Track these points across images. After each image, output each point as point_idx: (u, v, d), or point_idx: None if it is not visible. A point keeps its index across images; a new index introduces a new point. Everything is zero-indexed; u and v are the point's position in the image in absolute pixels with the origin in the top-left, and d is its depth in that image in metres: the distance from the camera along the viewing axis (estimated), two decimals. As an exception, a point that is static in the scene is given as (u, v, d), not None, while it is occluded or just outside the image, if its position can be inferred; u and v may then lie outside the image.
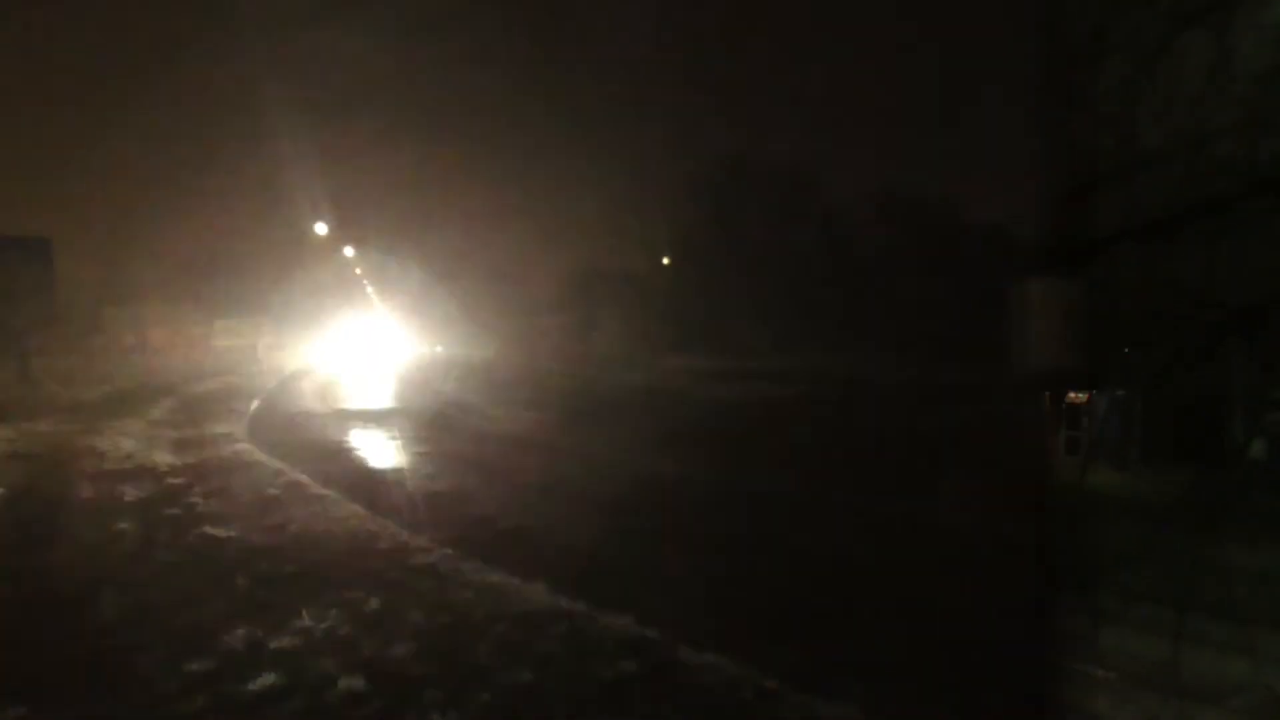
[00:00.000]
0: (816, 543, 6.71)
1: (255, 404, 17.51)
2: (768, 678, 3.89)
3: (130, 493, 8.25)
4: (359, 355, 41.41)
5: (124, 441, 11.77)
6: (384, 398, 19.63)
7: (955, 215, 32.63)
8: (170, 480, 8.90)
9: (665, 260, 45.35)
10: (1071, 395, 6.56)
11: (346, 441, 12.51)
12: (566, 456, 11.29)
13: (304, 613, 4.76)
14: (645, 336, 40.38)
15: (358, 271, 77.90)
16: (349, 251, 63.48)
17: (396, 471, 10.02)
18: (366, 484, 8.98)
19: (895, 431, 12.86)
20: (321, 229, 50.53)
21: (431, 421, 14.92)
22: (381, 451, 11.62)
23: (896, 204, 33.64)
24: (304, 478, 8.99)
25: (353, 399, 19.30)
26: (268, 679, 3.96)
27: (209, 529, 6.75)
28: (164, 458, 10.36)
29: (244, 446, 11.40)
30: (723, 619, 4.91)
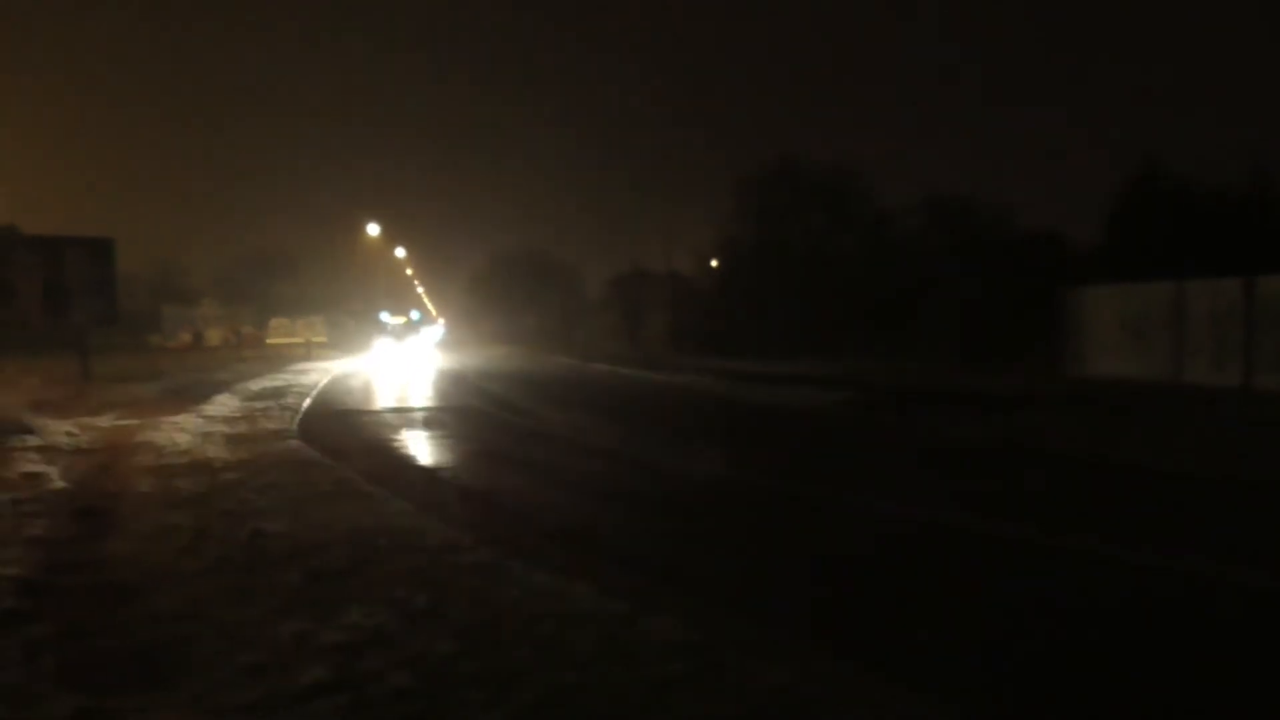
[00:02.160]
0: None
1: (307, 402, 17.82)
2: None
3: (185, 486, 8.44)
4: (410, 354, 41.78)
5: (179, 436, 12.06)
6: (432, 398, 19.79)
7: (1008, 220, 32.08)
8: (224, 475, 9.08)
9: (713, 263, 45.26)
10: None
11: (402, 439, 12.67)
12: (639, 468, 11.29)
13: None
14: (689, 337, 40.35)
15: (409, 271, 78.91)
16: (401, 252, 64.34)
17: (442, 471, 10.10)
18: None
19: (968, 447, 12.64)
20: (374, 229, 51.23)
21: (484, 423, 15.04)
22: (429, 453, 11.74)
23: (946, 207, 33.16)
24: (353, 474, 9.12)
25: (403, 399, 19.50)
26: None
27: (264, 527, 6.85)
28: (217, 452, 10.58)
29: (295, 443, 11.61)
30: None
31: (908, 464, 10.68)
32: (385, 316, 48.43)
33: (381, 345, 42.38)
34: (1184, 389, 17.28)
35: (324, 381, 23.57)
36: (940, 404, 16.07)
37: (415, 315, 52.97)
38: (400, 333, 46.79)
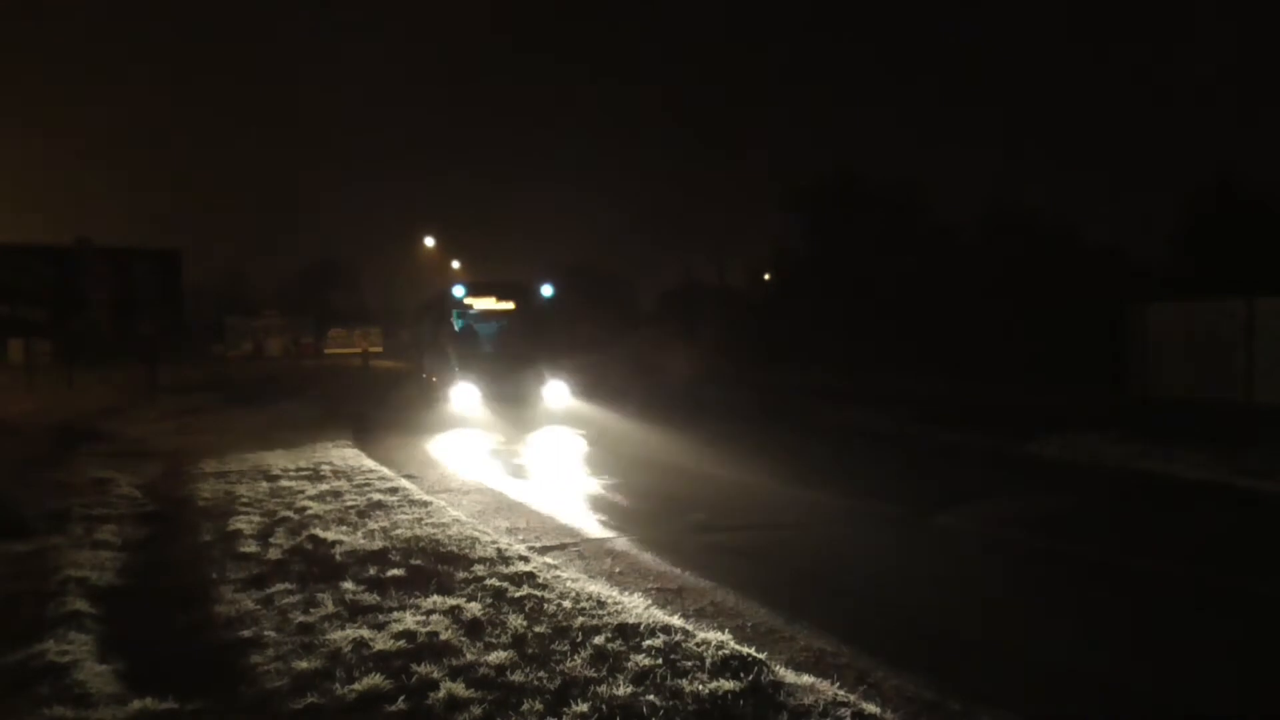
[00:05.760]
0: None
1: (362, 410, 18.05)
2: None
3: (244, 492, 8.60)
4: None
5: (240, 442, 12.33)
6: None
7: (1072, 233, 31.45)
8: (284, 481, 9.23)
9: (766, 276, 45.07)
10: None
11: (458, 449, 12.75)
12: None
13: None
14: (744, 351, 40.12)
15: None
16: (456, 264, 65.08)
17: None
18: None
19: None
20: (430, 242, 51.88)
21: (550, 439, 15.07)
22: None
23: (1008, 219, 32.60)
24: (397, 478, 9.18)
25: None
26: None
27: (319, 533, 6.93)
28: (276, 460, 10.76)
29: (351, 451, 11.76)
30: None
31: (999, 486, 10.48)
32: (459, 292, 17.10)
33: (456, 391, 15.69)
34: (1258, 409, 16.70)
35: (378, 390, 23.82)
36: (1030, 422, 14.90)
37: (548, 290, 17.23)
38: (491, 351, 16.78)
